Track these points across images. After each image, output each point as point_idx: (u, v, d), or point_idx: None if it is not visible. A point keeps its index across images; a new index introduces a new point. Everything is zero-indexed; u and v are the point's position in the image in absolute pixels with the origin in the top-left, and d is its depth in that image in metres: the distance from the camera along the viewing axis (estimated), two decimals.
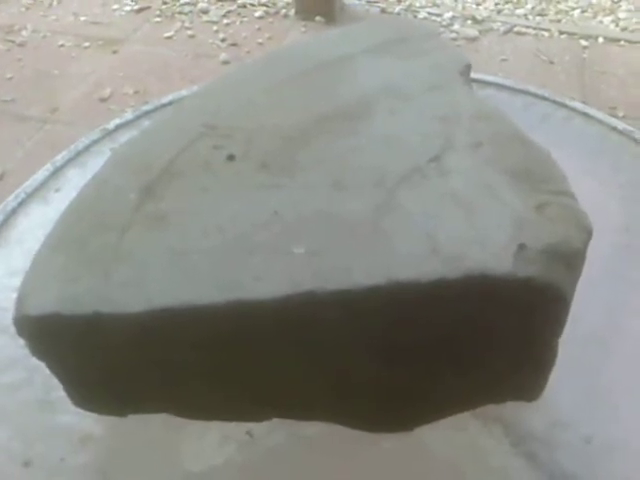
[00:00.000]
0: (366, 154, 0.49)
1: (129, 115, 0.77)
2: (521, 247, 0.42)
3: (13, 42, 2.12)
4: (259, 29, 2.20)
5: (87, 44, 2.12)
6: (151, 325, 0.41)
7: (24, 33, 2.17)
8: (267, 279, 0.41)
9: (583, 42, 2.13)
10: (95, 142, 0.74)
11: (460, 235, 0.43)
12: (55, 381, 0.48)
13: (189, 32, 2.18)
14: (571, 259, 0.43)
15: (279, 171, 0.48)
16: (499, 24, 2.22)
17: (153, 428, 0.50)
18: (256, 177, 0.48)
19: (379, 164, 0.48)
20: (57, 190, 0.69)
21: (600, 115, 0.77)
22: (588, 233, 0.44)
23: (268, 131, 0.51)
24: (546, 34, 2.17)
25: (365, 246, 0.43)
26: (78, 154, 0.72)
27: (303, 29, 2.20)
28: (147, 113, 0.76)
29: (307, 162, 0.49)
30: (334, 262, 0.42)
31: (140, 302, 0.41)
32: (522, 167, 0.48)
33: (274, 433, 0.50)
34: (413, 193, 0.46)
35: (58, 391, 0.50)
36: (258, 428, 0.50)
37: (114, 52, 2.08)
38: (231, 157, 0.49)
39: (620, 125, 0.75)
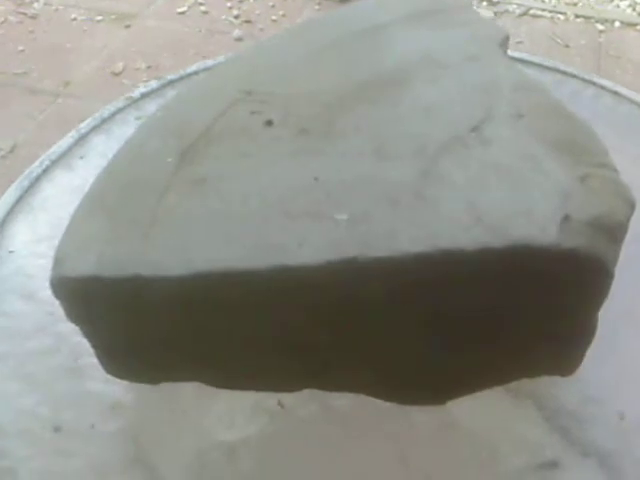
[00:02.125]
0: (406, 122, 0.48)
1: (154, 84, 0.76)
2: (565, 218, 0.41)
3: (25, 14, 2.11)
4: (273, 6, 2.18)
5: (100, 18, 2.10)
6: (192, 289, 0.41)
7: (36, 5, 2.16)
8: (309, 245, 0.41)
9: (599, 26, 2.11)
10: (120, 110, 0.73)
11: (504, 205, 0.42)
12: (84, 348, 0.48)
13: (202, 8, 2.16)
14: (615, 232, 0.43)
15: (318, 137, 0.47)
16: (515, 6, 2.20)
17: (184, 397, 0.50)
18: (295, 143, 0.47)
19: (419, 132, 0.47)
20: (82, 157, 0.69)
21: (630, 93, 0.76)
22: (631, 206, 0.44)
23: (306, 97, 0.51)
24: (562, 17, 2.16)
25: (408, 213, 0.42)
26: (103, 121, 0.72)
27: (317, 7, 2.18)
28: (172, 82, 0.76)
29: (346, 129, 0.48)
30: (377, 229, 0.41)
31: (182, 265, 0.40)
32: (564, 139, 0.47)
33: (305, 404, 0.50)
34: (455, 162, 0.45)
35: (87, 358, 0.50)
36: (289, 398, 0.50)
37: (127, 27, 2.07)
38: (269, 122, 0.49)
39: None
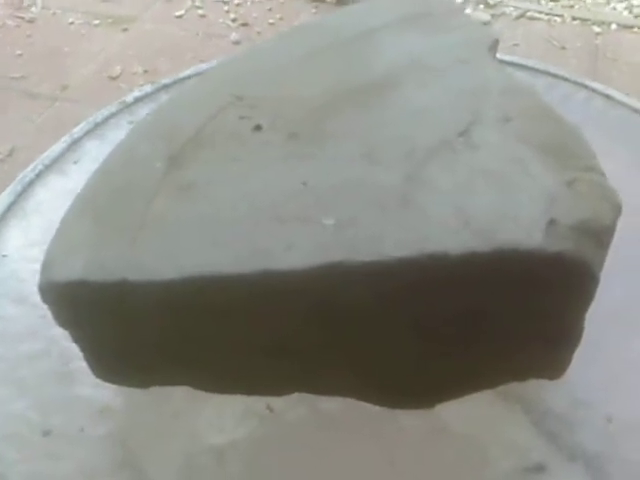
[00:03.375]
0: (395, 126, 0.49)
1: (148, 88, 0.76)
2: (552, 222, 0.42)
3: (22, 18, 2.11)
4: (270, 9, 2.19)
5: (97, 22, 2.10)
6: (179, 293, 0.41)
7: (33, 9, 2.16)
8: (297, 249, 0.41)
9: (596, 28, 2.11)
10: (113, 114, 0.73)
11: (491, 209, 0.42)
12: (74, 352, 0.48)
13: (200, 11, 2.16)
14: (601, 235, 0.43)
15: (307, 142, 0.48)
16: (511, 9, 2.20)
17: (173, 401, 0.50)
18: (284, 147, 0.47)
19: (408, 136, 0.47)
20: (75, 162, 0.69)
21: (621, 97, 0.76)
22: (618, 210, 0.44)
23: (295, 102, 0.51)
24: (558, 20, 2.16)
25: (395, 218, 0.42)
26: (96, 126, 0.72)
27: (314, 10, 2.18)
28: (166, 86, 0.76)
29: (335, 133, 0.48)
30: (364, 233, 0.41)
31: (169, 270, 0.40)
32: (552, 142, 0.47)
33: (295, 408, 0.50)
34: (443, 166, 0.45)
35: (77, 362, 0.50)
36: (279, 402, 0.50)
37: (124, 30, 2.07)
38: (258, 127, 0.49)
39: None
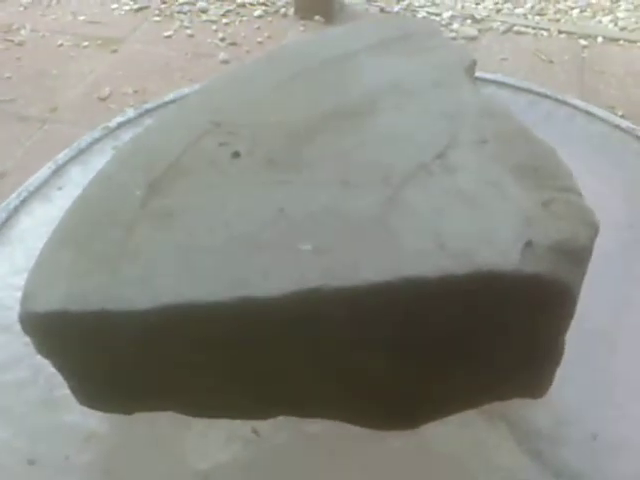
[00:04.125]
0: (371, 151, 0.49)
1: (131, 113, 0.76)
2: (528, 244, 0.42)
3: (12, 41, 2.12)
4: (258, 28, 2.20)
5: (86, 43, 2.11)
6: (158, 322, 0.41)
7: (23, 32, 2.17)
8: (274, 276, 0.41)
9: (582, 41, 2.13)
10: (97, 140, 0.74)
11: (467, 232, 0.43)
12: (59, 379, 0.48)
13: (188, 31, 2.18)
14: (578, 255, 0.43)
15: (285, 168, 0.48)
16: (498, 23, 2.22)
17: (158, 426, 0.50)
18: (262, 174, 0.48)
19: (385, 161, 0.48)
20: (60, 188, 0.69)
21: (602, 113, 0.77)
22: (595, 229, 0.44)
23: (273, 128, 0.51)
24: (545, 33, 2.17)
25: (372, 243, 0.43)
26: (80, 152, 0.72)
27: (302, 28, 2.20)
28: (149, 111, 0.76)
29: (313, 159, 0.49)
30: (341, 259, 0.42)
31: (147, 299, 0.41)
32: (528, 164, 0.47)
33: (280, 431, 0.50)
34: (419, 190, 0.46)
35: (62, 389, 0.49)
36: (264, 426, 0.50)
37: (113, 51, 2.08)
38: (236, 154, 0.49)
39: (623, 123, 0.75)
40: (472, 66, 0.58)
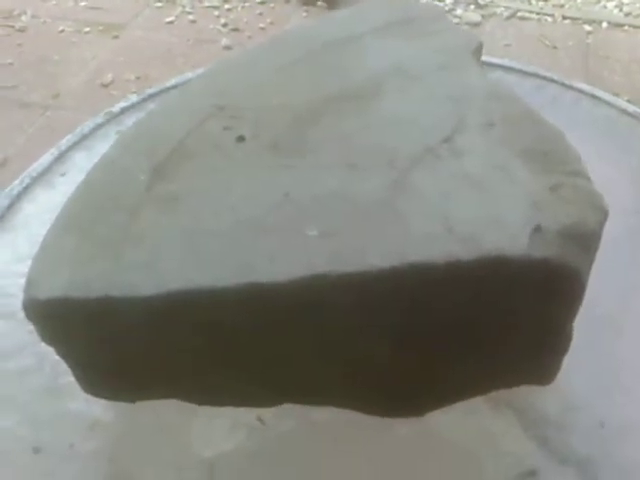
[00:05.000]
0: (377, 134, 0.48)
1: (134, 98, 0.76)
2: (537, 228, 0.41)
3: (13, 27, 2.11)
4: (261, 14, 2.19)
5: (87, 29, 2.11)
6: (163, 308, 0.41)
7: (24, 18, 2.16)
8: (280, 262, 0.41)
9: (587, 27, 2.12)
10: (100, 125, 0.73)
11: (475, 216, 0.42)
12: (64, 367, 0.48)
13: (190, 17, 2.17)
14: (587, 240, 0.43)
15: (289, 151, 0.48)
16: (502, 9, 2.21)
17: (163, 414, 0.50)
18: (266, 158, 0.47)
19: (391, 144, 0.47)
20: (63, 174, 0.69)
21: (609, 97, 0.76)
22: (604, 214, 0.44)
23: (277, 111, 0.51)
24: (549, 19, 2.16)
25: (379, 227, 0.42)
26: (84, 137, 0.72)
27: (305, 14, 2.19)
28: (152, 96, 0.76)
29: (318, 142, 0.48)
30: (348, 244, 0.41)
31: (152, 285, 0.40)
32: (536, 147, 0.47)
33: (285, 419, 0.50)
34: (426, 174, 0.45)
35: (67, 377, 0.49)
36: (269, 414, 0.50)
37: (115, 37, 2.07)
38: (241, 138, 0.49)
39: (630, 107, 0.74)
40: (479, 49, 0.58)
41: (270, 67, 0.56)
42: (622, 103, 0.75)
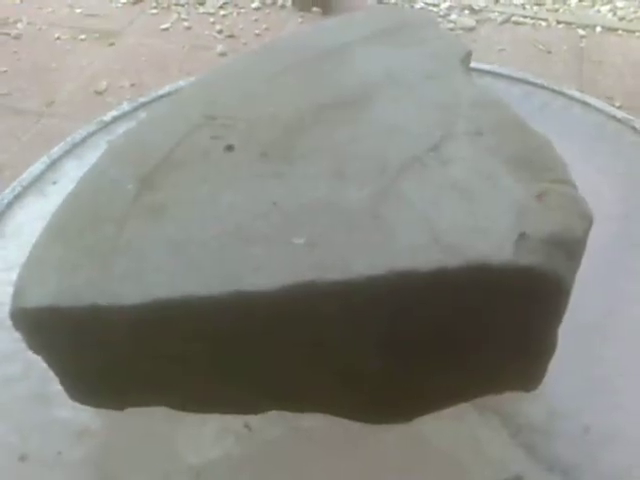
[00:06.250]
0: (366, 143, 0.49)
1: (126, 107, 0.76)
2: (522, 236, 0.42)
3: (8, 35, 2.11)
4: (256, 20, 2.19)
5: (83, 37, 2.11)
6: (150, 317, 0.41)
7: (19, 26, 2.16)
8: (266, 270, 0.41)
9: (581, 31, 2.12)
10: (92, 134, 0.73)
11: (461, 224, 0.43)
12: (51, 375, 0.48)
13: (185, 24, 2.17)
14: (572, 248, 0.43)
15: (278, 160, 0.48)
16: (496, 14, 2.21)
17: (150, 421, 0.50)
18: (255, 167, 0.48)
19: (379, 153, 0.48)
20: (54, 182, 0.69)
21: (598, 103, 0.77)
22: (589, 222, 0.44)
23: (267, 121, 0.51)
24: (543, 24, 2.17)
25: (365, 236, 0.42)
26: (75, 146, 0.72)
27: (300, 20, 2.19)
28: (144, 105, 0.76)
29: (306, 151, 0.48)
30: (334, 252, 0.41)
31: (139, 294, 0.40)
32: (522, 155, 0.47)
33: (272, 426, 0.50)
34: (413, 182, 0.45)
35: (54, 385, 0.49)
36: (256, 421, 0.50)
37: (110, 44, 2.07)
38: (230, 147, 0.49)
39: (619, 114, 0.75)
40: (467, 57, 0.58)
41: (260, 76, 0.56)
42: (611, 109, 0.76)
